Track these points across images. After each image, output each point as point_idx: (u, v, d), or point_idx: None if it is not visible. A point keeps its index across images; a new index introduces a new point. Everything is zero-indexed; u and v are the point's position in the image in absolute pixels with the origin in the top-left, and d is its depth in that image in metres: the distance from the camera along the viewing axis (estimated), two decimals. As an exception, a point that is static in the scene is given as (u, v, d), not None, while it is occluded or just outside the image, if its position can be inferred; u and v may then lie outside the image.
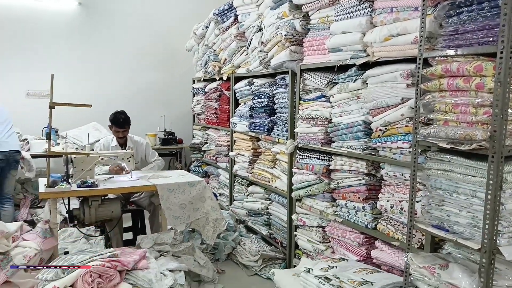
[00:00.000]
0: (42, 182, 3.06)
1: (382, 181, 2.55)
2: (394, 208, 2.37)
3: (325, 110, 2.95)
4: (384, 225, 2.49)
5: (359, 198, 2.66)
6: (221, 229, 3.43)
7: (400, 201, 2.35)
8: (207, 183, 4.87)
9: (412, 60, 2.18)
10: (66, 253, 3.00)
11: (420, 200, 2.04)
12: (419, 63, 1.96)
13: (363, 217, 2.64)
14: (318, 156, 3.04)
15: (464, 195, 1.75)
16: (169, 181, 3.25)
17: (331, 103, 2.91)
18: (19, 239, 2.75)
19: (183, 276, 2.72)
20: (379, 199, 2.52)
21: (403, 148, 2.29)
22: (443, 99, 1.82)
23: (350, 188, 2.74)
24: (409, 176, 2.08)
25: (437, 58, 1.88)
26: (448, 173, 1.81)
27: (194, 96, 5.78)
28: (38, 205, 4.50)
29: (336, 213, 2.88)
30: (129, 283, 2.39)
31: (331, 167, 2.87)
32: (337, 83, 2.82)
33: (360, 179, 2.66)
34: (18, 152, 4.06)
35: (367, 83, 2.58)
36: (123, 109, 3.82)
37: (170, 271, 2.68)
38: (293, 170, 3.31)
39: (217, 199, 4.92)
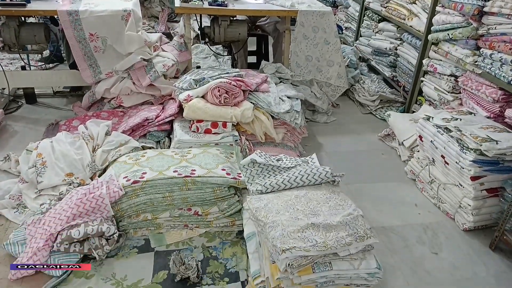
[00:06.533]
0: (178, -3, 3.19)
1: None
2: (553, 66, 2.01)
3: None
4: (532, 84, 2.17)
5: (510, 49, 2.28)
6: (339, 94, 3.43)
7: None
8: (334, 14, 4.60)
9: None
10: (198, 67, 3.31)
11: None
12: None
13: (508, 71, 2.31)
14: (472, -6, 2.56)
15: None
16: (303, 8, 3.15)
17: None
18: (159, 49, 3.07)
19: (299, 103, 2.85)
20: (537, 53, 2.13)
21: None
22: None
23: (503, 37, 2.34)
24: None
25: None
26: None
27: None
28: (174, 19, 4.83)
29: (476, 63, 2.56)
30: (251, 102, 2.61)
31: (485, 9, 2.43)
32: None
33: (519, 27, 2.24)
34: None
35: None
36: None
37: (288, 97, 2.82)
38: (437, 8, 2.89)
39: (342, 33, 4.70)
